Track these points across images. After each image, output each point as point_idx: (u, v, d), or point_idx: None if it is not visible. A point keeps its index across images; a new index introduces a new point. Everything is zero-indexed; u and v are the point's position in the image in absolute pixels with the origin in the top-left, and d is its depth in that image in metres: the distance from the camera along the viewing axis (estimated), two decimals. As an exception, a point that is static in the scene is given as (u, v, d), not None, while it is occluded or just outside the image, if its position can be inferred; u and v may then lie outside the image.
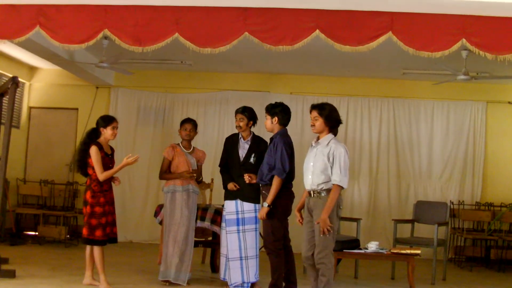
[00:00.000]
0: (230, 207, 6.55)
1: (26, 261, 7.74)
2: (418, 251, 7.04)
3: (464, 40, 5.71)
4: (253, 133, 6.72)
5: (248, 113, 6.60)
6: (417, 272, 7.22)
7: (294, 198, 6.18)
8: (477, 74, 8.85)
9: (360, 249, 7.14)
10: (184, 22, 6.01)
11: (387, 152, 10.32)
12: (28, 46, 7.91)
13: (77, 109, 10.91)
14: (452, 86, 9.71)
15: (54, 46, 6.72)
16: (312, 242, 5.41)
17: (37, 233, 9.84)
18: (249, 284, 6.50)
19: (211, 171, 9.67)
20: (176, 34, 5.98)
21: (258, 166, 6.36)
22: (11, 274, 6.61)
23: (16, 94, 7.48)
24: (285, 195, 6.07)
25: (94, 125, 10.43)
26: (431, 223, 8.09)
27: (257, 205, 6.50)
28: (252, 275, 6.48)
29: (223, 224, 6.65)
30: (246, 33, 5.91)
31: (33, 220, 10.13)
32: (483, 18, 5.72)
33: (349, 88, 10.49)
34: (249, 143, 6.61)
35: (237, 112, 6.66)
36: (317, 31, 5.86)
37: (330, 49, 6.15)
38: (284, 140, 6.04)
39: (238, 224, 6.49)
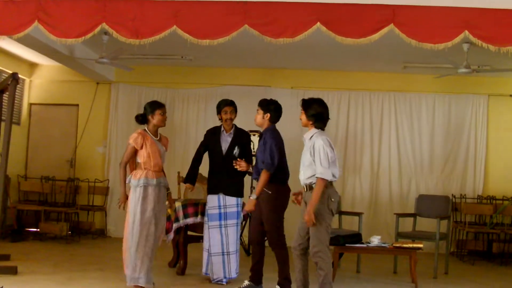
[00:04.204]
0: (213, 201, 6.54)
1: (27, 258, 7.74)
2: (420, 245, 7.04)
3: (467, 32, 5.67)
4: (235, 125, 6.71)
5: (236, 107, 6.67)
6: (419, 266, 7.21)
7: (290, 193, 6.16)
8: (479, 67, 8.83)
9: (362, 243, 7.14)
10: (182, 15, 5.98)
11: (388, 146, 10.30)
12: (27, 42, 7.88)
13: (77, 105, 10.90)
14: (454, 79, 9.69)
15: (54, 42, 6.70)
16: (304, 233, 5.46)
17: (38, 230, 9.84)
18: (226, 279, 6.52)
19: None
20: (174, 27, 5.95)
21: (242, 158, 6.39)
22: (12, 271, 6.61)
23: (17, 90, 7.48)
24: (282, 190, 6.09)
25: (95, 121, 10.61)
26: (433, 217, 8.07)
27: (239, 199, 6.52)
28: (233, 271, 6.51)
29: (205, 219, 6.64)
30: (246, 25, 5.87)
31: (34, 217, 10.11)
32: (486, 10, 5.68)
33: (350, 82, 10.47)
34: (232, 135, 6.60)
35: (227, 104, 6.65)
36: (318, 23, 5.82)
37: (331, 42, 6.13)
38: (274, 135, 6.07)
39: (220, 219, 6.50)
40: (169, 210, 7.08)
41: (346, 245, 7.04)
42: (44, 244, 9.18)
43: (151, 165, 5.99)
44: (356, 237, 7.23)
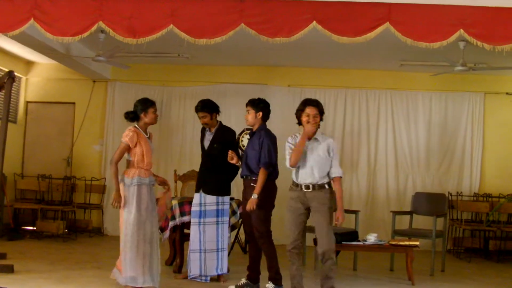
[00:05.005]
0: (196, 199, 6.58)
1: (24, 256, 7.74)
2: (417, 243, 7.06)
3: (462, 30, 5.69)
4: (219, 123, 6.68)
5: (208, 109, 6.55)
6: (416, 264, 7.23)
7: (277, 189, 6.23)
8: (475, 65, 8.84)
9: (359, 241, 7.15)
10: (179, 14, 5.98)
11: (385, 143, 10.31)
12: (24, 40, 7.88)
13: (74, 103, 10.88)
14: (450, 77, 9.70)
15: (50, 40, 6.70)
16: (300, 230, 5.61)
17: (35, 228, 9.84)
18: (208, 278, 6.54)
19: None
20: (171, 26, 5.95)
21: (223, 156, 6.39)
22: (9, 269, 6.60)
23: (13, 88, 7.46)
24: (272, 187, 6.13)
25: (91, 119, 10.60)
26: (430, 215, 8.08)
27: (219, 197, 6.51)
28: (211, 269, 6.52)
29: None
30: (243, 24, 5.88)
31: (31, 215, 10.11)
32: (480, 8, 5.70)
33: (347, 80, 10.47)
34: (213, 134, 6.61)
35: (198, 111, 6.59)
36: (314, 22, 5.83)
37: (328, 41, 6.13)
38: (269, 135, 6.15)
39: (200, 217, 6.52)
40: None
41: (343, 243, 7.05)
42: (40, 242, 9.17)
43: (144, 164, 5.89)
44: (352, 235, 7.24)
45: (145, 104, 5.99)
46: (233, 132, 6.68)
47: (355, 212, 8.22)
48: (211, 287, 6.49)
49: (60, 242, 9.24)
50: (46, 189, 10.13)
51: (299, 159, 5.58)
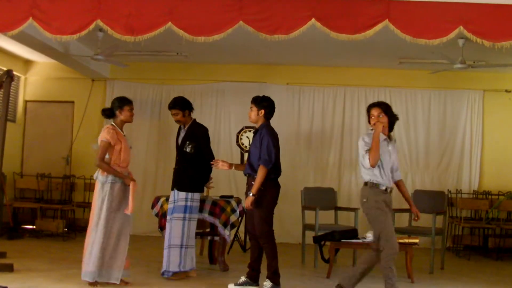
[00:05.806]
0: (171, 196, 6.62)
1: (24, 255, 7.73)
2: (416, 240, 7.07)
3: (461, 27, 5.70)
4: (193, 120, 6.74)
5: (179, 106, 6.61)
6: (415, 261, 7.23)
7: (280, 188, 6.21)
8: (474, 62, 8.84)
9: (358, 238, 7.15)
10: (177, 12, 6.00)
11: (384, 141, 10.30)
12: (22, 39, 7.87)
13: (73, 102, 10.89)
14: (449, 75, 9.70)
15: (49, 39, 6.70)
16: None
17: (34, 227, 9.84)
18: (170, 273, 6.52)
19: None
20: (169, 23, 5.96)
21: (195, 154, 6.48)
22: (9, 268, 6.60)
23: (12, 87, 7.46)
24: (273, 186, 6.11)
25: (90, 118, 10.59)
26: (429, 212, 8.08)
27: (189, 194, 6.52)
28: (174, 265, 6.51)
29: None
30: (241, 22, 5.89)
31: (30, 214, 10.12)
32: (480, 5, 5.72)
33: (346, 78, 10.47)
34: (186, 131, 6.67)
35: (169, 108, 6.69)
36: (313, 20, 5.84)
37: (327, 38, 6.13)
38: (270, 132, 6.12)
39: (171, 213, 6.55)
40: (165, 207, 7.08)
41: (342, 240, 7.06)
42: (40, 241, 9.17)
43: (120, 161, 6.01)
44: (352, 233, 7.24)
45: (122, 102, 6.17)
46: (205, 129, 6.73)
47: (354, 210, 8.22)
48: (185, 283, 6.47)
49: (60, 241, 9.24)
50: (45, 188, 10.14)
51: (378, 159, 5.59)
